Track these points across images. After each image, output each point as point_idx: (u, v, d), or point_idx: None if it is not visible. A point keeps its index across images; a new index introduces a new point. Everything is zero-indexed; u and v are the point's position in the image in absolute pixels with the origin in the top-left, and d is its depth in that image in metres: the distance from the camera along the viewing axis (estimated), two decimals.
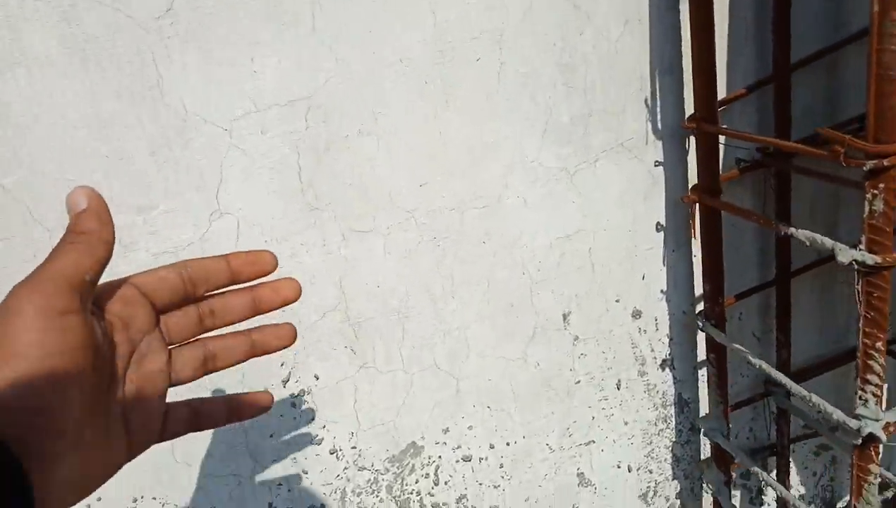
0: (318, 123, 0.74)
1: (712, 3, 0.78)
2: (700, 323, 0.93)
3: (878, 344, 0.70)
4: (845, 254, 0.66)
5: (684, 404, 1.04)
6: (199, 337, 0.41)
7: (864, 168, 0.62)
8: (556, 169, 0.85)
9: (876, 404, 0.72)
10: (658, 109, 0.88)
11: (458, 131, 0.79)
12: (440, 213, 0.82)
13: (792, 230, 0.73)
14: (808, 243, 0.72)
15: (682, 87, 0.88)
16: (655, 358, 1.00)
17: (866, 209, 0.65)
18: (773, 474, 1.10)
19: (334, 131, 0.74)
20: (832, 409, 0.75)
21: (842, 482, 1.24)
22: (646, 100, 0.87)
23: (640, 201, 0.91)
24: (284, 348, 0.44)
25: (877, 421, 0.71)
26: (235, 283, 0.42)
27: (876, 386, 0.71)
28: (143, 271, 0.38)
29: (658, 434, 1.04)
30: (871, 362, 0.71)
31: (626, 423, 1.01)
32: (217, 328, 0.42)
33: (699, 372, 1.03)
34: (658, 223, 0.93)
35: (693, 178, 0.92)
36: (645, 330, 0.98)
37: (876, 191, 0.64)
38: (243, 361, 0.43)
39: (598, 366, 0.97)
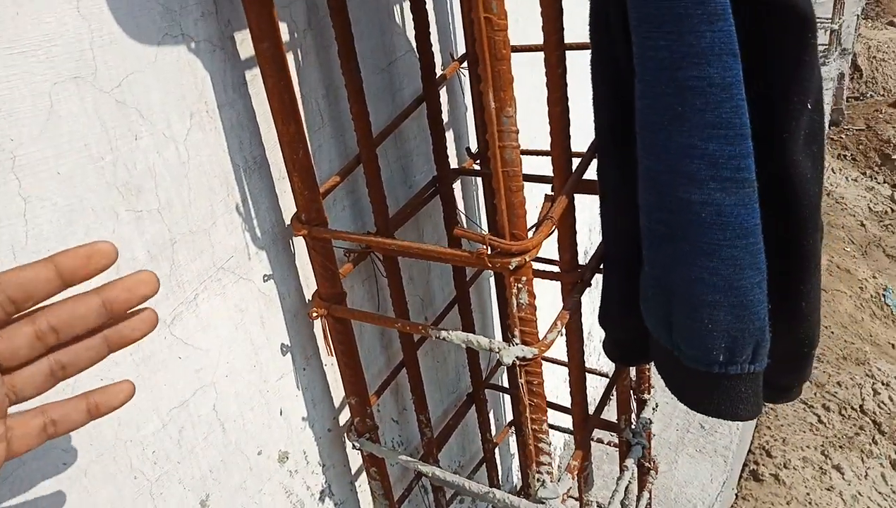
0: None
1: (292, 89, 0.66)
2: (355, 443, 0.81)
3: (545, 426, 0.69)
4: (508, 354, 0.63)
5: None
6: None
7: (510, 266, 0.59)
8: None
9: (551, 481, 0.72)
10: (253, 215, 0.71)
11: None
12: None
13: (444, 334, 0.67)
14: (463, 345, 0.66)
15: (272, 184, 0.73)
16: (313, 494, 0.84)
17: (514, 303, 0.63)
18: None
19: None
20: (518, 501, 0.72)
21: None
22: (237, 207, 0.69)
23: (257, 328, 0.73)
24: (147, 334, 0.42)
25: (556, 497, 0.71)
26: (69, 287, 0.38)
27: (548, 464, 0.71)
28: None
29: None
30: (541, 444, 0.70)
31: None
32: (62, 342, 0.39)
33: (356, 484, 0.92)
34: (282, 345, 0.77)
35: (305, 282, 0.79)
36: (296, 471, 0.81)
37: (520, 285, 0.62)
38: (101, 359, 0.42)
39: None
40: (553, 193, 0.65)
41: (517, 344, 0.63)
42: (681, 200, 0.54)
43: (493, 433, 1.20)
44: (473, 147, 1.05)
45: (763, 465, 2.04)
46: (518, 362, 0.63)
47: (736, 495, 1.94)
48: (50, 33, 0.52)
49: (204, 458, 0.68)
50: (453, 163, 1.03)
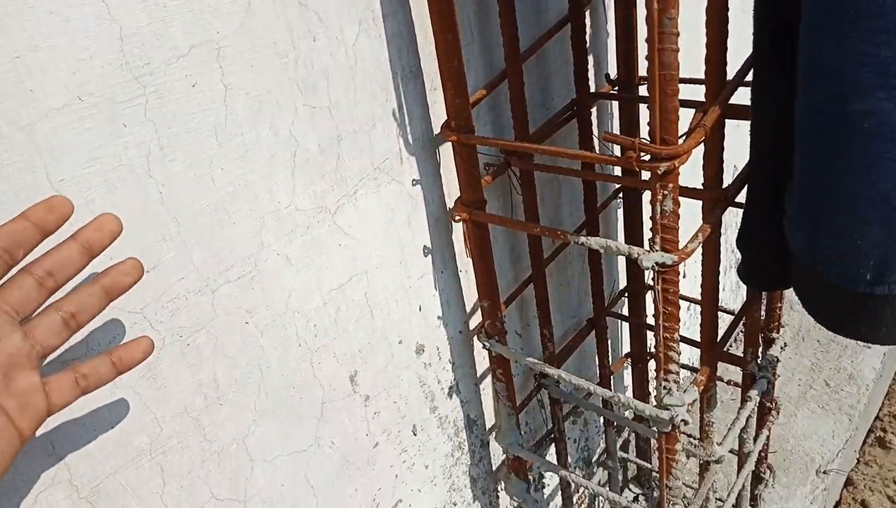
0: None
1: (452, 1, 0.69)
2: (486, 343, 0.87)
3: (676, 335, 0.71)
4: (648, 259, 0.65)
5: (472, 424, 0.98)
6: (49, 302, 0.43)
7: (659, 171, 0.61)
8: (314, 210, 0.69)
9: (678, 390, 0.74)
10: (407, 122, 0.76)
11: (185, 186, 0.57)
12: (182, 301, 0.59)
13: (583, 239, 0.70)
14: (602, 250, 0.69)
15: (425, 94, 0.78)
16: (443, 388, 0.91)
17: (657, 210, 0.64)
18: (554, 458, 1.12)
19: None
20: (643, 406, 0.75)
21: (593, 438, 1.34)
22: (394, 113, 0.75)
23: (405, 228, 0.79)
24: (136, 282, 0.47)
25: (682, 406, 0.73)
26: (46, 236, 0.43)
27: (676, 373, 0.73)
28: None
29: (455, 464, 0.97)
30: (671, 353, 0.72)
31: (426, 467, 0.91)
32: (61, 286, 0.44)
33: (479, 386, 0.98)
34: (425, 246, 0.83)
35: (447, 190, 0.84)
36: (430, 364, 0.88)
37: (666, 192, 0.63)
38: (103, 309, 0.46)
39: (392, 420, 0.84)
40: (705, 106, 0.65)
41: (657, 250, 0.65)
42: (843, 110, 0.53)
43: (610, 362, 1.22)
44: (612, 75, 1.05)
45: (892, 433, 1.94)
46: (657, 267, 0.65)
47: (858, 459, 1.86)
48: None
49: (355, 338, 0.76)
50: (591, 89, 1.03)
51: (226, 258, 0.62)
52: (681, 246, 0.67)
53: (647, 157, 0.61)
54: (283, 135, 0.64)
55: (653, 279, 0.67)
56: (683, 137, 0.61)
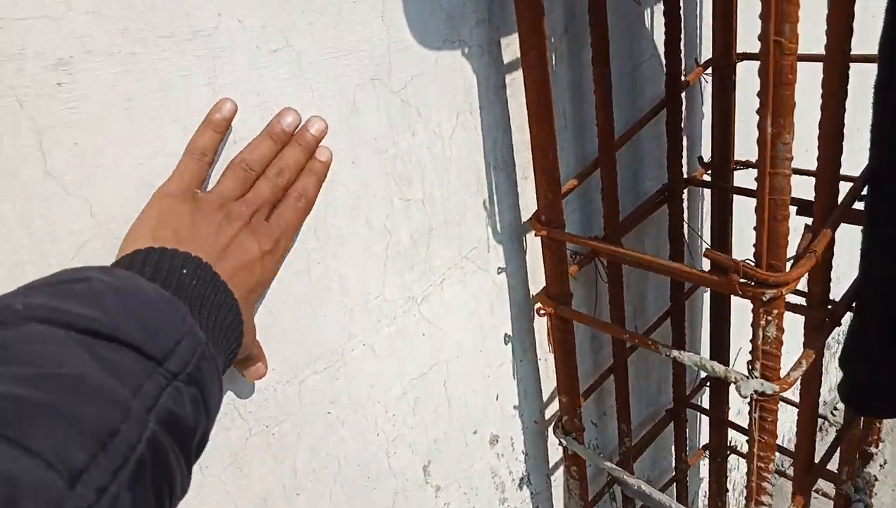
0: None
1: (550, 95, 0.68)
2: (562, 440, 0.84)
3: (771, 465, 0.66)
4: (747, 387, 0.61)
5: None
6: None
7: (764, 298, 0.57)
8: (401, 300, 0.68)
9: None
10: (497, 211, 0.76)
11: (281, 280, 0.58)
12: (271, 392, 0.59)
13: (675, 353, 0.66)
14: (696, 368, 0.65)
15: (516, 183, 0.77)
16: (514, 479, 0.88)
17: (759, 336, 0.60)
18: None
19: None
20: None
21: None
22: (484, 203, 0.74)
23: (487, 315, 0.78)
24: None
25: None
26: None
27: (769, 505, 0.68)
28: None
29: None
30: (764, 483, 0.67)
31: None
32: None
33: (551, 478, 0.95)
34: (506, 334, 0.81)
35: (532, 278, 0.82)
36: (502, 455, 0.85)
37: (770, 318, 0.59)
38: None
39: None
40: (814, 224, 0.61)
41: (757, 377, 0.61)
42: None
43: (687, 454, 1.16)
44: (706, 156, 1.02)
45: None
46: (756, 396, 0.61)
47: None
48: (358, 40, 0.59)
49: (432, 428, 0.75)
50: (684, 171, 1.01)
51: (314, 349, 0.61)
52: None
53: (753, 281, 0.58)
54: (378, 228, 0.64)
55: (749, 405, 0.63)
56: (791, 261, 0.58)
